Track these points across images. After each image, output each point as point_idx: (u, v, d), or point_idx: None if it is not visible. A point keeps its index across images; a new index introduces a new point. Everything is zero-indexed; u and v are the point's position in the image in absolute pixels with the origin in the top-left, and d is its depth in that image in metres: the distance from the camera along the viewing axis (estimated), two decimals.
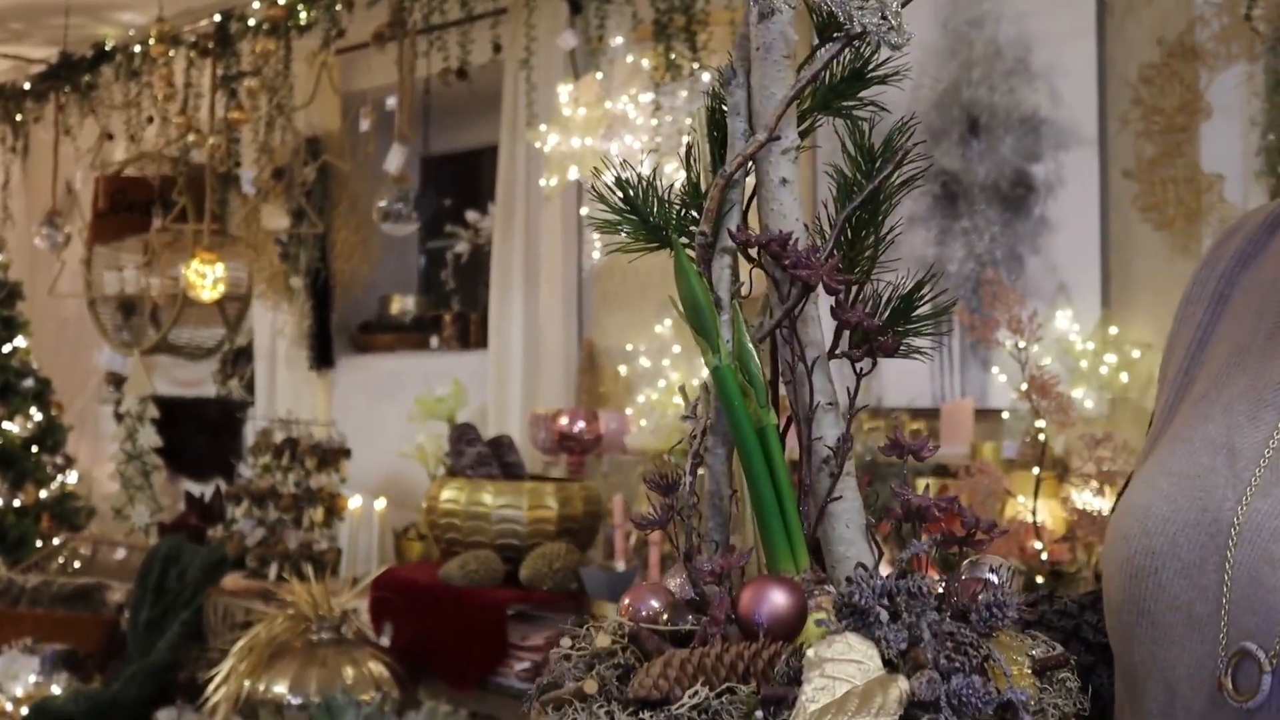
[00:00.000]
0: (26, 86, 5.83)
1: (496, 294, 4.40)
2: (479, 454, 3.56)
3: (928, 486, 0.82)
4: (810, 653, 0.66)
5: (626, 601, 0.78)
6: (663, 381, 3.89)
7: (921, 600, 0.71)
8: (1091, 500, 2.24)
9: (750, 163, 0.82)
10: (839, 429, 0.79)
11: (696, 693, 0.68)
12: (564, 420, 3.79)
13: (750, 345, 0.78)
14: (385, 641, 3.14)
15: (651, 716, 0.69)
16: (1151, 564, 0.82)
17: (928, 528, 0.82)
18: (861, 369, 0.79)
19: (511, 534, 3.24)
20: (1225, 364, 0.91)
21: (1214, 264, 0.98)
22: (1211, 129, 2.92)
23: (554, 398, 4.21)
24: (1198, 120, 2.93)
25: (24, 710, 3.93)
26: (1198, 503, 0.82)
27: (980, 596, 0.73)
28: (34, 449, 5.34)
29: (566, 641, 0.80)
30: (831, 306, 0.78)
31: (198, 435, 5.60)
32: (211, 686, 2.82)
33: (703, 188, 0.85)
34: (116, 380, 5.84)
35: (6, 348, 5.35)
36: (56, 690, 4.10)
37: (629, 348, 4.05)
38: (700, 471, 0.80)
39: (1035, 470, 2.31)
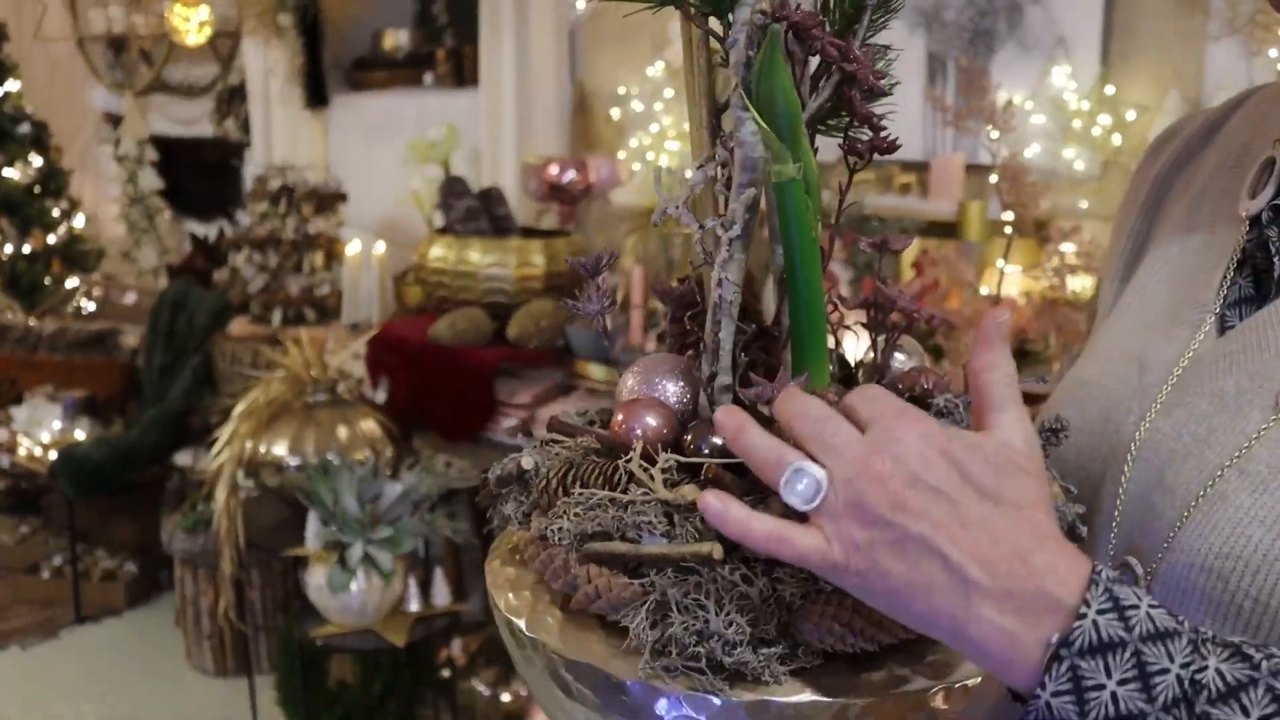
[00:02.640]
0: None
1: (487, 33, 4.26)
2: (469, 207, 3.54)
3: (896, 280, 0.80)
4: None
5: (620, 419, 0.73)
6: (655, 126, 3.81)
7: None
8: (1068, 282, 2.23)
9: None
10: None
11: None
12: (554, 169, 3.74)
13: (810, 150, 0.70)
14: (381, 398, 3.22)
15: (787, 576, 0.63)
16: (1060, 470, 0.80)
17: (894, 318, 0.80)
18: (855, 164, 0.74)
19: (499, 291, 3.26)
20: (1150, 275, 0.88)
21: (1148, 168, 0.95)
22: None
23: (546, 141, 4.14)
24: None
25: (51, 455, 4.11)
26: (1103, 413, 0.80)
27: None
28: (37, 194, 5.33)
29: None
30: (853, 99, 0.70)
31: (198, 176, 5.57)
32: (214, 450, 2.92)
33: None
34: (114, 120, 5.77)
35: None
36: (80, 435, 4.28)
37: (621, 90, 3.95)
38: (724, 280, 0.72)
39: (1000, 263, 2.27)
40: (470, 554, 3.85)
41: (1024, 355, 2.18)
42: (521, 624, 0.69)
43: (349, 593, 2.62)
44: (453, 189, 3.60)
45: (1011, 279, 2.42)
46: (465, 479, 3.70)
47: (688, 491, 0.65)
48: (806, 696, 0.60)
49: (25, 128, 5.28)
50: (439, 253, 3.32)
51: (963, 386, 0.69)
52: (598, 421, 0.82)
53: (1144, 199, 0.94)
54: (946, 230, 3.09)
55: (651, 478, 0.67)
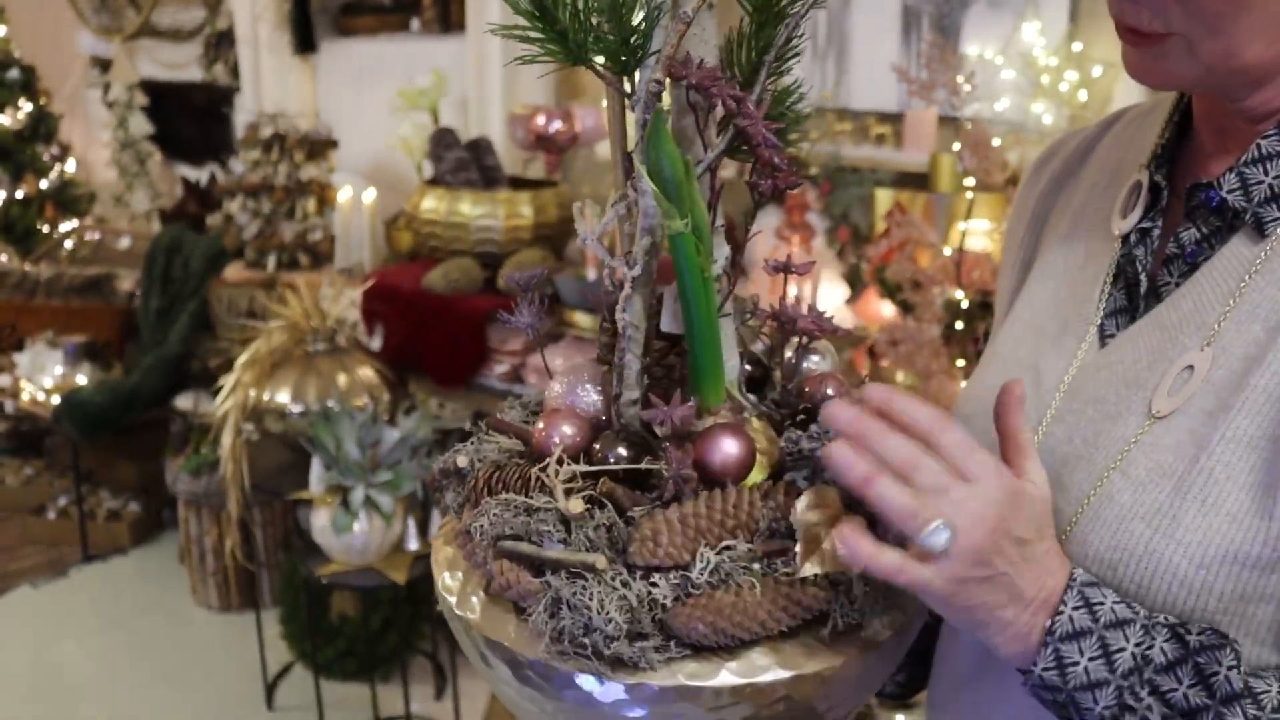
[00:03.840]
0: None
1: None
2: (458, 158, 3.64)
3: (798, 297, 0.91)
4: (796, 512, 0.74)
5: (541, 429, 0.82)
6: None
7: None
8: None
9: None
10: (727, 251, 0.83)
11: (705, 556, 0.74)
12: (540, 120, 3.83)
13: (701, 201, 0.79)
14: (376, 345, 3.35)
15: (662, 580, 0.73)
16: None
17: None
18: (761, 196, 0.82)
19: (489, 242, 3.37)
20: (1038, 286, 0.98)
21: (1033, 185, 1.05)
22: None
23: (532, 89, 4.22)
24: None
25: (54, 400, 4.23)
26: None
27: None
28: (28, 140, 5.37)
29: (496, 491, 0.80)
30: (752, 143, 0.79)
31: (188, 120, 5.62)
32: (220, 398, 3.05)
33: (619, 6, 0.81)
34: (101, 64, 5.80)
35: None
36: (82, 380, 4.39)
37: None
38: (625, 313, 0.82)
39: (961, 225, 2.40)
40: None
41: (987, 307, 2.32)
42: (452, 601, 0.81)
43: (352, 533, 2.76)
44: (442, 140, 3.69)
45: (978, 234, 2.55)
46: (458, 420, 3.85)
47: (574, 505, 0.75)
48: (678, 681, 0.72)
49: (14, 73, 5.31)
50: (431, 204, 3.42)
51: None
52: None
53: (1030, 214, 1.04)
54: (919, 181, 3.21)
55: (555, 485, 0.77)
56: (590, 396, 0.86)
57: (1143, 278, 0.89)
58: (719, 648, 0.73)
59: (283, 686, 3.50)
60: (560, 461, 0.78)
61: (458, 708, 3.24)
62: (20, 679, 3.59)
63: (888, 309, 2.70)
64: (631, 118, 0.83)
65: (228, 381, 3.06)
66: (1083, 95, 2.86)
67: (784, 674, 0.72)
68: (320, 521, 2.81)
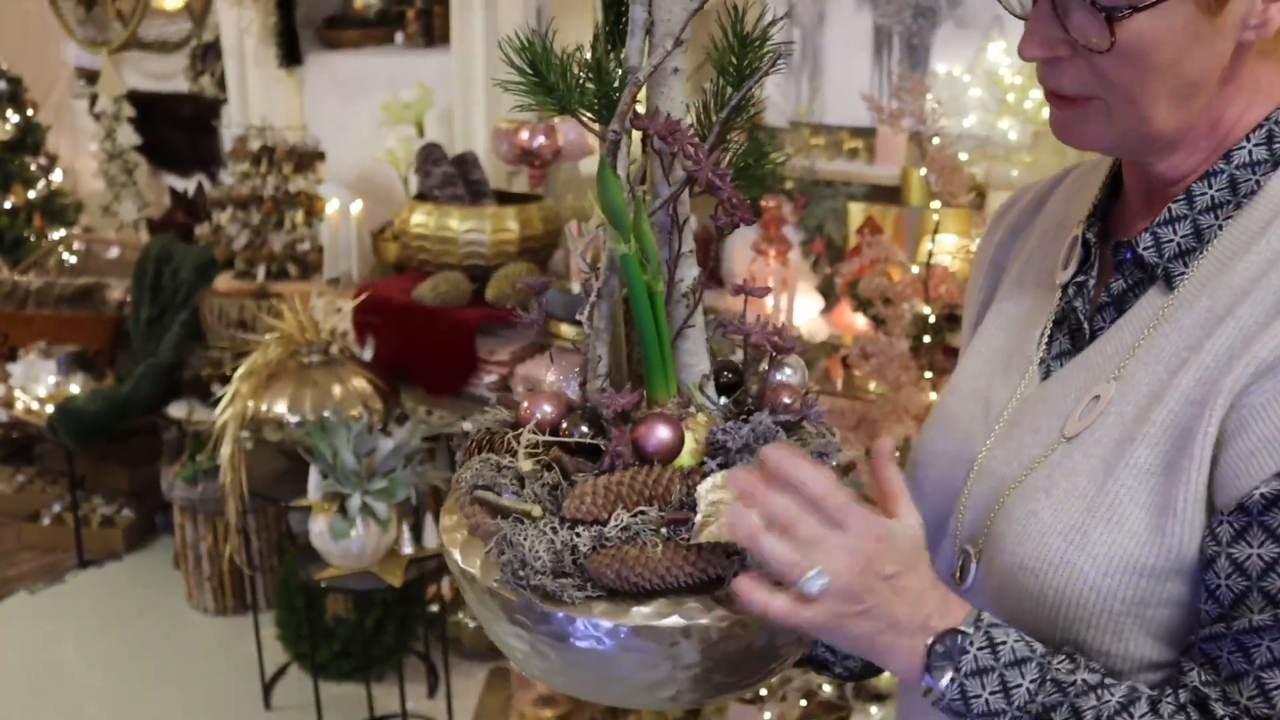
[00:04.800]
0: None
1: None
2: (445, 173, 3.75)
3: (759, 318, 1.02)
4: (700, 489, 0.87)
5: (526, 405, 0.97)
6: None
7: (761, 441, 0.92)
8: None
9: (644, 48, 0.94)
10: (695, 272, 0.97)
11: (620, 516, 0.87)
12: (524, 135, 3.94)
13: (649, 229, 0.92)
14: (368, 355, 3.45)
15: (585, 531, 0.87)
16: (927, 487, 1.07)
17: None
18: (721, 230, 0.94)
19: (477, 255, 3.48)
20: (993, 325, 1.11)
21: (993, 234, 1.18)
22: None
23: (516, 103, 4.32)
24: None
25: (49, 409, 4.32)
26: (961, 441, 1.05)
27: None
28: (15, 150, 5.45)
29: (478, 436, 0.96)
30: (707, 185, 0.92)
31: (175, 131, 5.70)
32: (219, 409, 3.15)
33: (601, 68, 0.96)
34: (89, 75, 5.88)
35: None
36: (75, 389, 4.48)
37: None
38: (595, 317, 0.97)
39: (929, 244, 2.52)
40: None
41: (953, 320, 2.45)
42: (457, 557, 0.96)
43: (349, 539, 2.87)
44: (429, 156, 3.79)
45: (946, 246, 2.68)
46: (447, 426, 3.97)
47: (525, 465, 0.92)
48: (594, 618, 0.85)
49: (1, 85, 5.39)
50: (420, 219, 3.53)
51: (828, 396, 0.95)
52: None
53: (990, 260, 1.17)
54: (891, 194, 3.34)
55: (519, 451, 0.94)
56: (574, 384, 1.01)
57: (1085, 324, 1.01)
58: (627, 593, 0.86)
59: (279, 687, 3.62)
60: (530, 431, 0.95)
61: (450, 706, 3.36)
62: (21, 682, 3.69)
63: (860, 320, 2.83)
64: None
65: (227, 392, 3.17)
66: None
67: (680, 621, 0.86)
68: (318, 527, 2.91)
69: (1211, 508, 0.87)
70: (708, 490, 0.87)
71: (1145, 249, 0.96)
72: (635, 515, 0.88)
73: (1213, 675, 0.87)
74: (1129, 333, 0.96)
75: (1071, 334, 1.03)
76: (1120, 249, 0.99)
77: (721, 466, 0.91)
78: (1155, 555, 0.88)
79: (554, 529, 0.88)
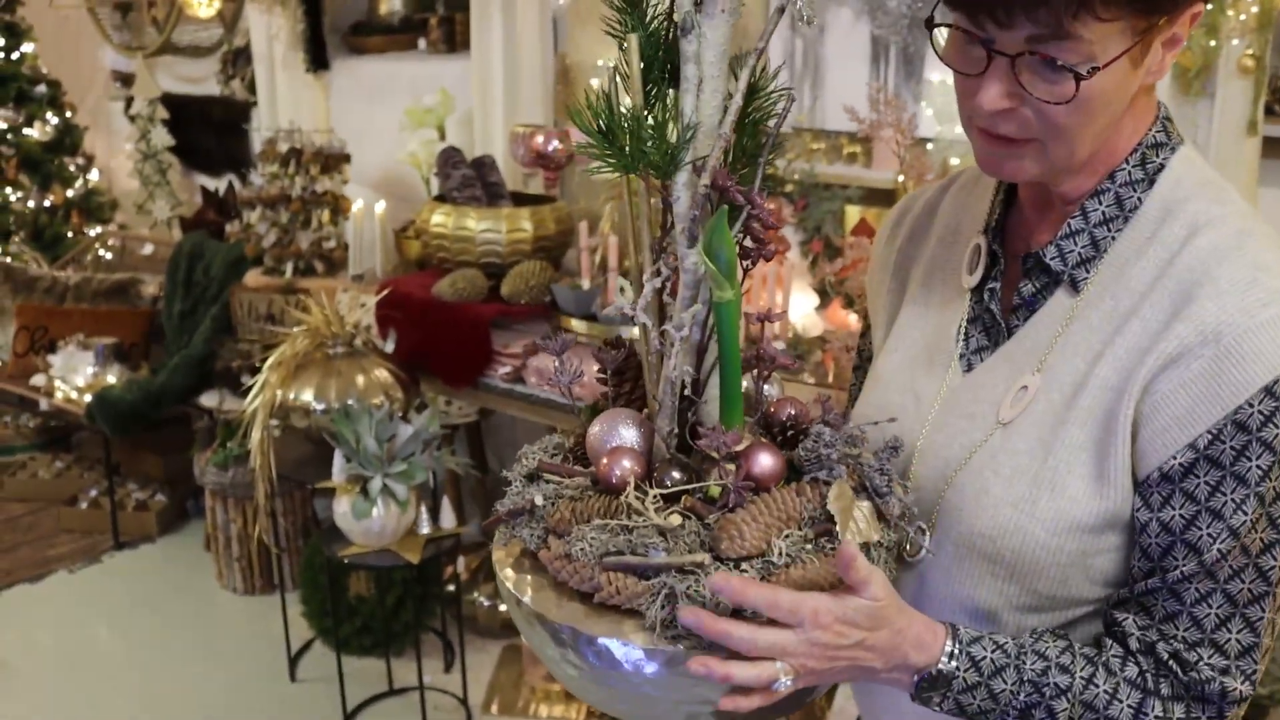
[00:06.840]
0: None
1: (476, 4, 4.61)
2: (464, 176, 3.94)
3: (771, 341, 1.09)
4: (830, 502, 0.96)
5: (605, 463, 0.99)
6: None
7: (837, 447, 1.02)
8: None
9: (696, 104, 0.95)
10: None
11: (778, 546, 0.93)
12: (540, 139, 4.13)
13: (739, 281, 0.97)
14: (390, 348, 3.65)
15: (750, 566, 0.92)
16: None
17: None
18: (751, 261, 1.00)
19: (493, 254, 3.67)
20: (908, 324, 1.24)
21: (893, 241, 1.31)
22: None
23: (532, 108, 4.51)
24: None
25: (87, 398, 4.53)
26: (893, 430, 1.16)
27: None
28: (55, 151, 5.66)
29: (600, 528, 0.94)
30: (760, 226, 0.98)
31: (207, 133, 5.91)
32: (249, 398, 3.35)
33: (639, 113, 0.97)
34: (124, 78, 6.10)
35: (14, 55, 5.56)
36: (112, 380, 4.70)
37: (600, 63, 4.33)
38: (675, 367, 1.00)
39: None
40: (468, 483, 4.32)
41: None
42: (511, 587, 1.00)
43: (371, 519, 3.07)
44: (449, 159, 3.99)
45: None
46: (464, 416, 4.17)
47: (674, 519, 0.94)
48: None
49: (42, 88, 5.61)
50: (439, 219, 3.72)
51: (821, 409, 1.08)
52: (570, 458, 1.11)
53: (893, 265, 1.29)
54: (887, 197, 3.51)
55: (646, 508, 0.96)
56: (631, 435, 1.04)
57: (1001, 323, 1.15)
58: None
59: (304, 660, 3.82)
60: (642, 490, 0.97)
61: (465, 679, 3.55)
62: (60, 657, 3.91)
63: (852, 316, 3.00)
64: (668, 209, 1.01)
65: (256, 382, 3.37)
66: None
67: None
68: (341, 508, 3.11)
69: (1135, 476, 1.04)
70: (833, 500, 0.98)
71: (1052, 259, 1.11)
72: (784, 539, 0.94)
73: (1147, 620, 1.05)
74: (1044, 329, 1.12)
75: (986, 331, 1.17)
76: (1028, 260, 1.14)
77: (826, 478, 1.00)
78: (1094, 515, 1.05)
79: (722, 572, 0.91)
